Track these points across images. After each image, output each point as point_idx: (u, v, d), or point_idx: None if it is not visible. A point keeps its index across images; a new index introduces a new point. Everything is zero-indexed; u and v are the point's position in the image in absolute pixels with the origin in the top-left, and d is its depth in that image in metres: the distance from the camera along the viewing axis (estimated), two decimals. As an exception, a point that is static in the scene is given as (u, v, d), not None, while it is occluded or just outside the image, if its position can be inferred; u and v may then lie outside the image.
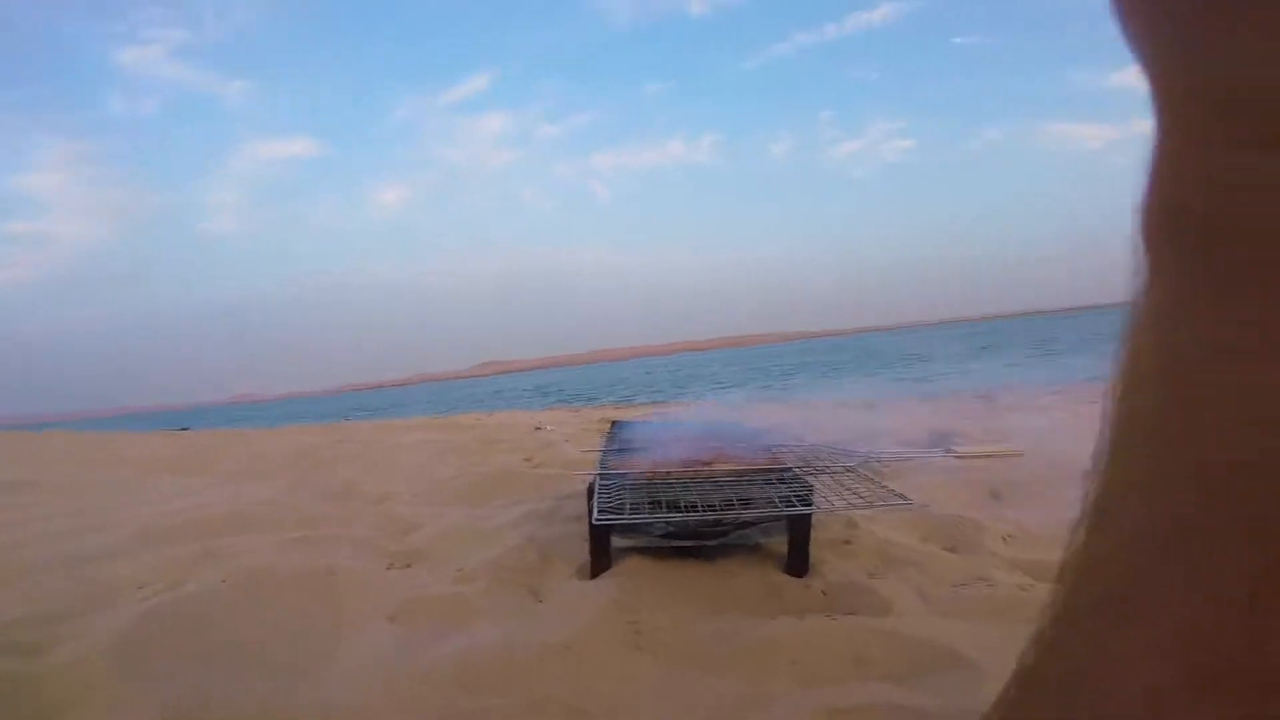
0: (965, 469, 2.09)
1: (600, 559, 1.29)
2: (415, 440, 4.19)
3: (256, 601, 1.26)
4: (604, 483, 1.28)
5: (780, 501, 1.14)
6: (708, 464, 1.36)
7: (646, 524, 1.27)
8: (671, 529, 1.29)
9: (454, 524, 1.86)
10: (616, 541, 1.31)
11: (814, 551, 1.26)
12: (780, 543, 1.29)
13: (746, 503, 1.15)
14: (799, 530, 1.22)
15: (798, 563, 1.23)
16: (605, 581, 1.24)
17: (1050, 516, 1.55)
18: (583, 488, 2.11)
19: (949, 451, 1.45)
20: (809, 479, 1.26)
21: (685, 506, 1.15)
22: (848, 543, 1.39)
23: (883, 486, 1.17)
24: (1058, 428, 2.83)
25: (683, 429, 1.70)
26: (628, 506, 1.14)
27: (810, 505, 1.15)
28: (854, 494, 1.17)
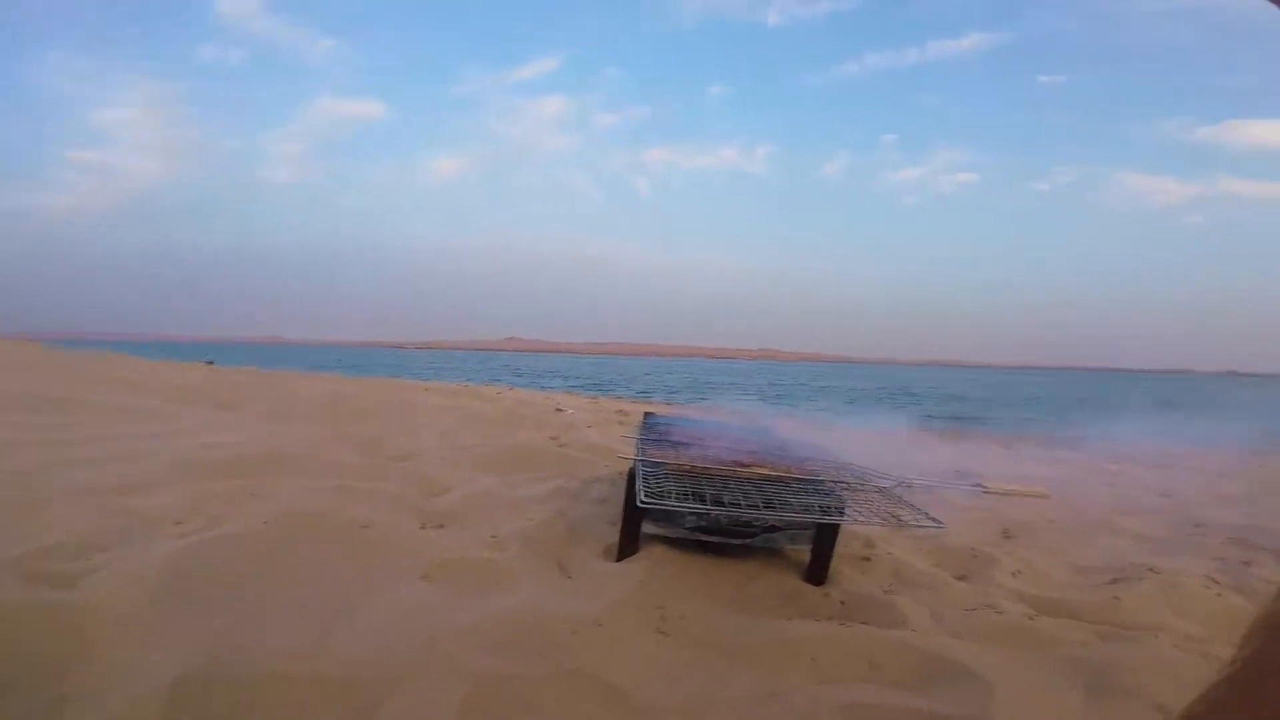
0: (982, 506, 2.11)
1: (630, 543, 1.34)
2: (440, 404, 4.26)
3: (294, 549, 1.26)
4: (646, 469, 1.32)
5: (818, 509, 1.18)
6: (747, 465, 1.40)
7: (678, 515, 1.31)
8: (702, 523, 1.33)
9: (483, 490, 1.92)
10: (646, 528, 1.36)
11: (833, 565, 1.30)
12: (802, 551, 1.33)
13: (783, 505, 1.19)
14: (826, 539, 1.27)
15: (818, 572, 1.28)
16: (633, 565, 1.29)
17: (1057, 559, 1.59)
18: (608, 472, 2.17)
19: (978, 485, 1.49)
20: (843, 493, 1.30)
21: (727, 503, 1.18)
22: (866, 559, 1.44)
23: (914, 509, 1.21)
24: (1079, 479, 2.84)
25: (721, 428, 1.73)
26: (672, 494, 1.18)
27: (843, 515, 1.19)
28: (886, 512, 1.21)
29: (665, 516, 1.33)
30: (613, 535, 1.40)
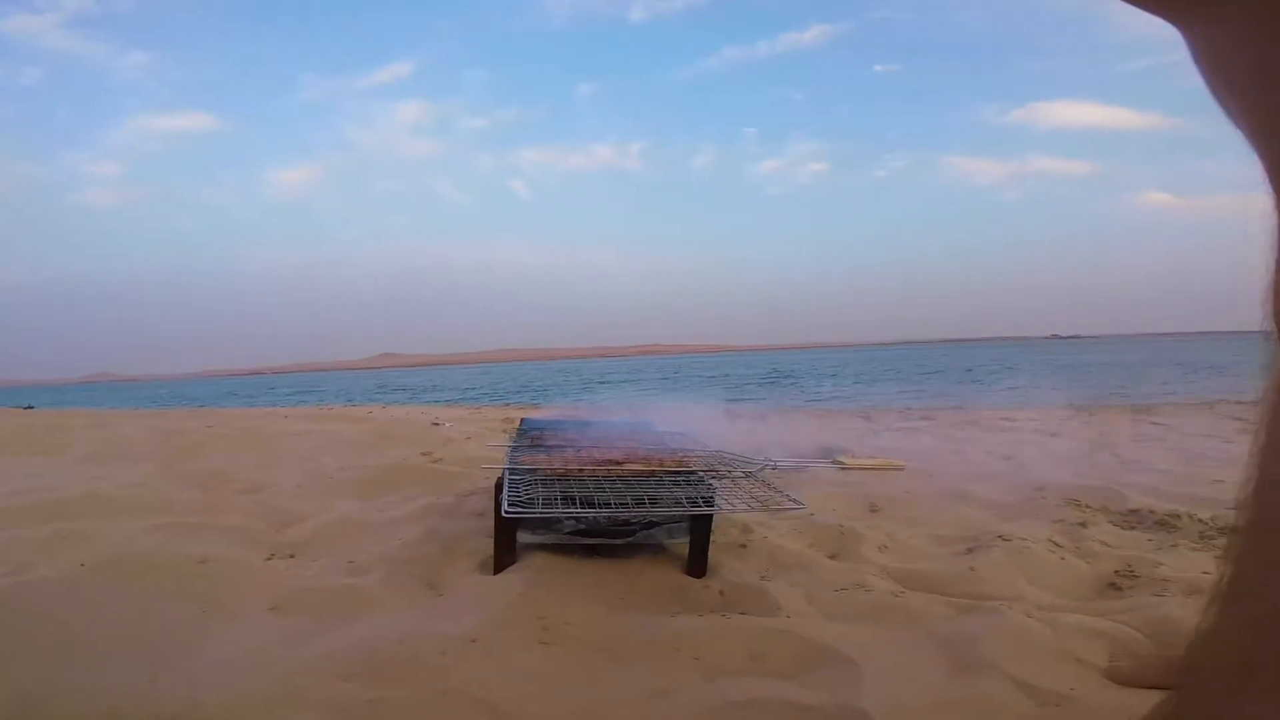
0: (849, 481, 2.24)
1: (505, 554, 1.28)
2: (298, 430, 3.93)
3: (118, 589, 1.15)
4: (514, 477, 1.27)
5: (686, 501, 1.19)
6: (619, 463, 1.38)
7: (555, 521, 1.27)
8: (581, 526, 1.30)
9: (344, 516, 1.77)
10: (523, 538, 1.31)
11: (713, 554, 1.31)
12: (682, 544, 1.33)
13: (654, 502, 1.18)
14: (701, 530, 1.27)
15: (697, 564, 1.28)
16: (511, 576, 1.23)
17: (918, 530, 1.69)
18: (486, 484, 2.07)
19: (838, 463, 1.56)
20: (712, 482, 1.31)
21: (598, 504, 1.16)
22: (743, 546, 1.46)
23: (778, 492, 1.24)
24: (932, 448, 3.10)
25: (594, 427, 1.70)
26: (539, 501, 1.14)
27: (713, 506, 1.20)
28: (752, 498, 1.23)
29: (543, 523, 1.29)
30: (490, 549, 1.33)
